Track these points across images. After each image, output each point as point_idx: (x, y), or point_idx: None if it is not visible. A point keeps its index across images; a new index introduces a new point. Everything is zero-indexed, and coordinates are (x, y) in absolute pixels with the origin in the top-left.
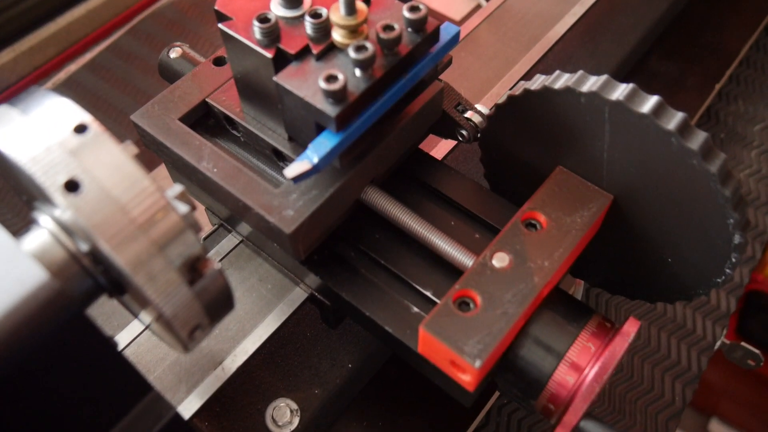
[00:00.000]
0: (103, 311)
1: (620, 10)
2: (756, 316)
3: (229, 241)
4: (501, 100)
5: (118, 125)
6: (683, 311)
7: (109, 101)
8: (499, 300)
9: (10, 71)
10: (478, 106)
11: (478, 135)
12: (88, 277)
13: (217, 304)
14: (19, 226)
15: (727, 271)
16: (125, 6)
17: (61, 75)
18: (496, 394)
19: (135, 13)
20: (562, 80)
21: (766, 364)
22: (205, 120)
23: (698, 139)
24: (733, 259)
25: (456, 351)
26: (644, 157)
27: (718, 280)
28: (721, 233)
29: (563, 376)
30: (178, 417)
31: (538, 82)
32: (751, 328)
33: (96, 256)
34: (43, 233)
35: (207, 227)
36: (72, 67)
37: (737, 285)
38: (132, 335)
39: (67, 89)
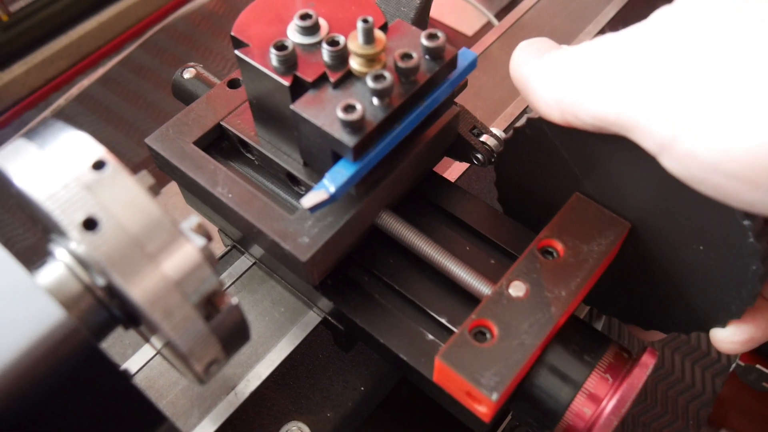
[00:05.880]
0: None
1: None
2: None
3: (242, 263)
4: (519, 123)
5: (129, 139)
6: (697, 333)
7: (120, 115)
8: (516, 330)
9: (22, 84)
10: (494, 129)
11: (493, 159)
12: (103, 310)
13: (234, 338)
14: (31, 240)
15: (748, 300)
16: (137, 19)
17: (74, 90)
18: (510, 416)
19: (147, 26)
20: None
21: None
22: (219, 143)
23: None
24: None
25: (473, 383)
26: (663, 186)
27: (738, 311)
28: (741, 264)
29: (580, 407)
30: None
31: None
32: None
33: (112, 290)
34: (59, 266)
35: (219, 247)
36: (84, 82)
37: None
38: (145, 358)
39: (79, 103)
